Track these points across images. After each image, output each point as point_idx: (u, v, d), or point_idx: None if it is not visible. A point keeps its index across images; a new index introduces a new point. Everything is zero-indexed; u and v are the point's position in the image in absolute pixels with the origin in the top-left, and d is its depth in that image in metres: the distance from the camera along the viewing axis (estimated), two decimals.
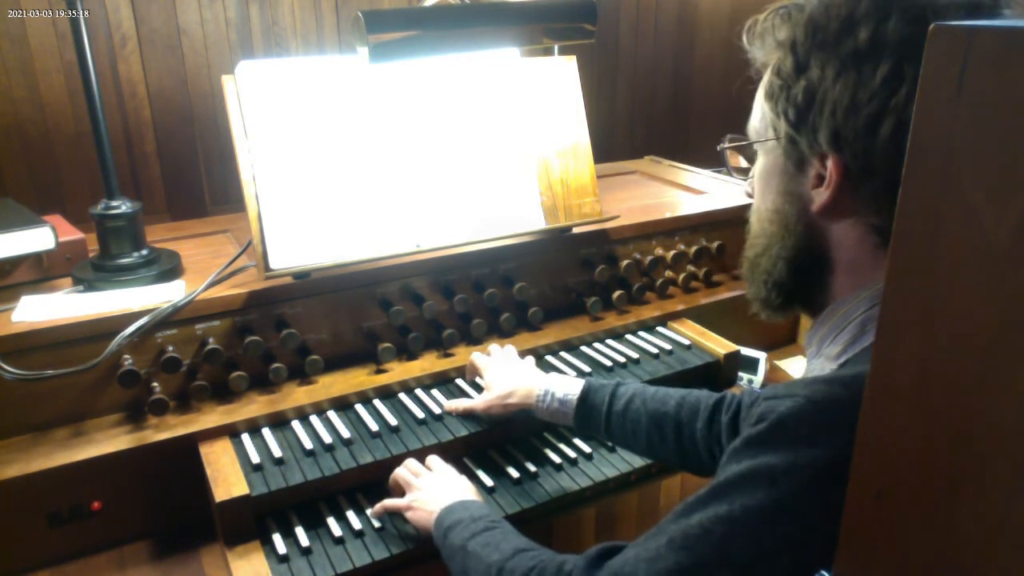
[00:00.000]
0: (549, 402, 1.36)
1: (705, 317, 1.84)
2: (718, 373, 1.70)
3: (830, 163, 0.84)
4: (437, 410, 1.47)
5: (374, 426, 1.41)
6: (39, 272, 1.52)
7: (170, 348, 1.39)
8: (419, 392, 1.54)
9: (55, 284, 1.52)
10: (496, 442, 1.50)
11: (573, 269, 1.81)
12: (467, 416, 1.46)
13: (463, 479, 1.27)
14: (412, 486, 1.27)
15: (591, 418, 1.33)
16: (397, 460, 1.35)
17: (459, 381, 1.58)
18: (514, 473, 1.41)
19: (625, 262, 1.84)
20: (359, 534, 1.27)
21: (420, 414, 1.46)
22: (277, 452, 1.33)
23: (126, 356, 1.36)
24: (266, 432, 1.40)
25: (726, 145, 1.04)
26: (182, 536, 1.33)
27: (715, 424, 1.22)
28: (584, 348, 1.72)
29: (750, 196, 1.01)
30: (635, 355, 1.67)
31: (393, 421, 1.42)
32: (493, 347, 1.58)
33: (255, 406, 1.43)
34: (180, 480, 1.33)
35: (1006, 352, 0.53)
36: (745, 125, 0.98)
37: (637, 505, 1.87)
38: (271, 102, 1.48)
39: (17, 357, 1.29)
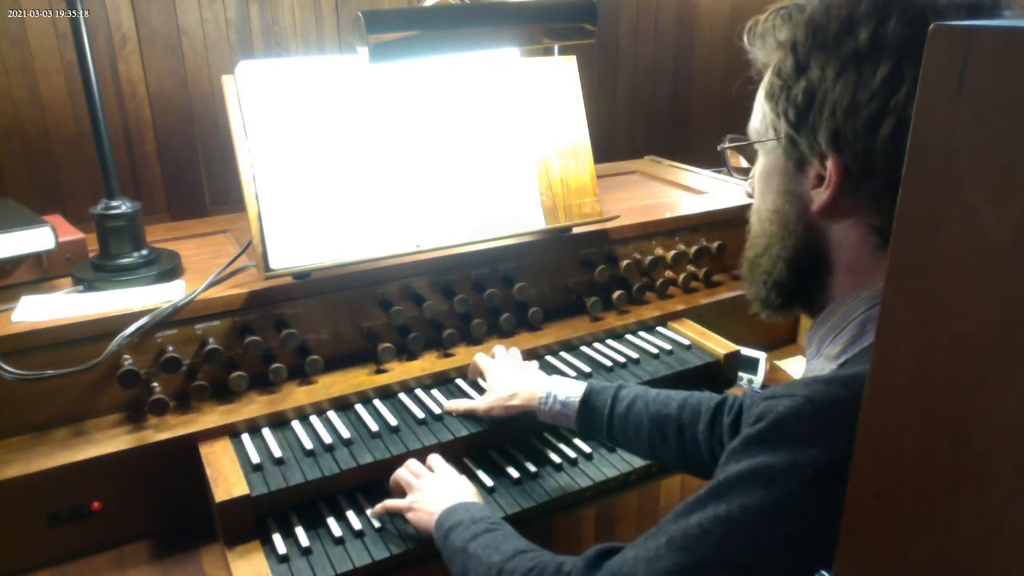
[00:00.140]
0: (551, 404, 1.36)
1: (705, 317, 1.84)
2: (718, 373, 1.70)
3: (830, 163, 0.84)
4: (437, 410, 1.47)
5: (374, 426, 1.41)
6: (39, 272, 1.52)
7: (170, 348, 1.39)
8: (419, 392, 1.54)
9: (55, 284, 1.52)
10: (496, 442, 1.50)
11: (573, 269, 1.81)
12: (467, 416, 1.46)
13: (464, 480, 1.27)
14: (413, 487, 1.27)
15: (593, 420, 1.33)
16: (397, 460, 1.35)
17: (459, 381, 1.58)
18: (514, 473, 1.41)
19: (625, 262, 1.84)
20: (359, 534, 1.27)
21: (420, 414, 1.46)
22: (277, 452, 1.33)
23: (126, 356, 1.36)
24: (266, 432, 1.40)
25: (726, 145, 1.04)
26: (182, 536, 1.33)
27: (717, 426, 1.22)
28: (584, 348, 1.72)
29: (750, 196, 1.01)
30: (635, 355, 1.67)
31: (393, 421, 1.42)
32: (497, 348, 1.58)
33: (255, 406, 1.43)
34: (180, 480, 1.33)
35: (1006, 352, 0.53)
36: (745, 125, 0.98)
37: (637, 505, 1.87)
38: (271, 102, 1.48)
39: (17, 357, 1.29)
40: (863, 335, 0.87)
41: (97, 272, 1.50)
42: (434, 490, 1.24)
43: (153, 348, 1.40)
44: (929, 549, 0.61)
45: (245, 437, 1.38)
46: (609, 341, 1.75)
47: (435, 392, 1.54)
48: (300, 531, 1.26)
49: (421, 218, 1.60)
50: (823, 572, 0.83)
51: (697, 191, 2.17)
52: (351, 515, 1.30)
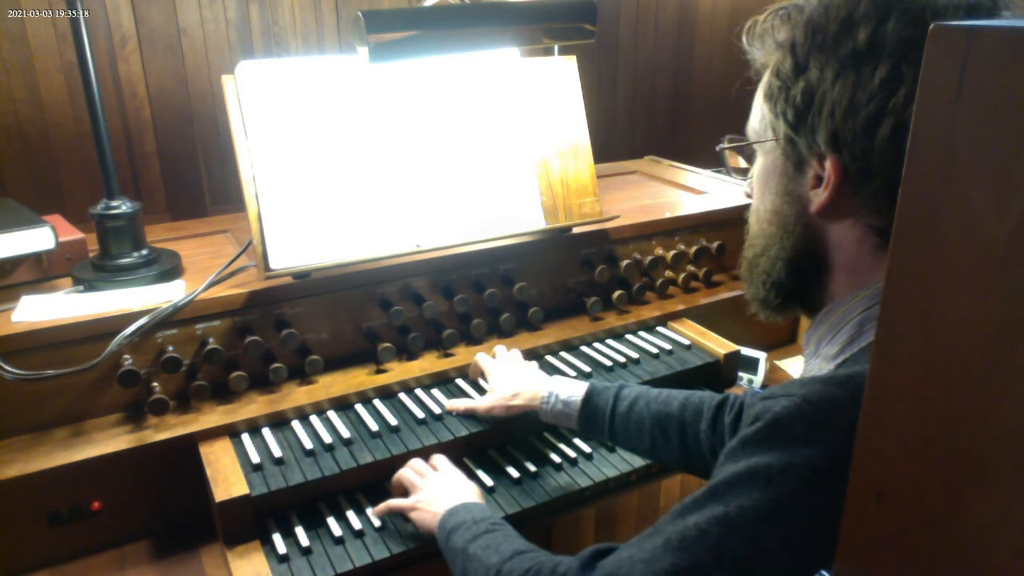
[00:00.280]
0: (553, 404, 1.36)
1: (705, 317, 1.84)
2: (718, 373, 1.70)
3: (829, 164, 0.84)
4: (437, 410, 1.47)
5: (374, 426, 1.41)
6: (39, 272, 1.52)
7: (170, 348, 1.39)
8: (419, 392, 1.54)
9: (55, 284, 1.52)
10: (496, 442, 1.50)
11: (573, 269, 1.81)
12: (468, 416, 1.46)
13: (467, 480, 1.27)
14: (417, 487, 1.27)
15: (595, 420, 1.33)
16: (397, 460, 1.35)
17: (459, 381, 1.58)
18: (514, 473, 1.41)
19: (625, 262, 1.84)
20: (359, 534, 1.27)
21: (420, 414, 1.46)
22: (277, 452, 1.33)
23: (126, 356, 1.36)
24: (266, 432, 1.40)
25: (725, 146, 1.04)
26: (182, 536, 1.33)
27: (718, 425, 1.22)
28: (584, 348, 1.72)
29: (749, 197, 1.01)
30: (635, 355, 1.67)
31: (393, 421, 1.42)
32: (498, 348, 1.58)
33: (255, 406, 1.43)
34: (180, 480, 1.33)
35: (1006, 352, 0.53)
36: (745, 125, 0.98)
37: (637, 505, 1.87)
38: (271, 102, 1.48)
39: (17, 357, 1.29)
40: (861, 335, 0.87)
41: (97, 272, 1.50)
42: (437, 490, 1.24)
43: (153, 348, 1.40)
44: (929, 549, 0.61)
45: (245, 437, 1.38)
46: (609, 341, 1.75)
47: (435, 392, 1.54)
48: (300, 531, 1.26)
49: (421, 218, 1.60)
50: (823, 572, 0.83)
51: (697, 191, 2.17)
52: (351, 515, 1.30)
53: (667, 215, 1.94)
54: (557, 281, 1.79)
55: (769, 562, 0.79)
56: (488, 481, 1.39)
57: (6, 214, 1.55)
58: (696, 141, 3.89)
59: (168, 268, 1.54)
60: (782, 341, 2.07)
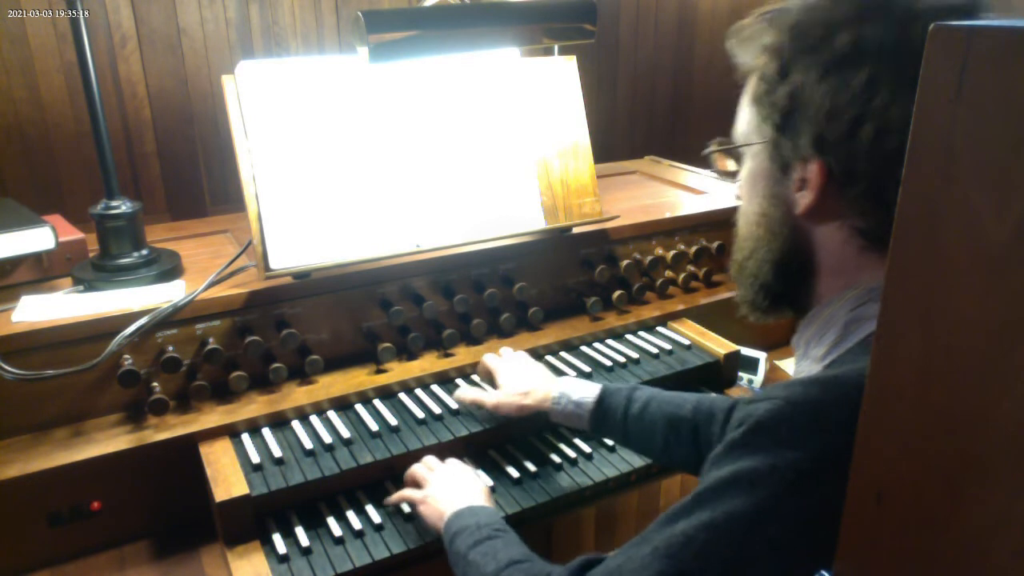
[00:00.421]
0: (564, 405, 1.35)
1: (705, 317, 1.84)
2: (718, 373, 1.70)
3: (813, 167, 0.85)
4: (437, 410, 1.47)
5: (374, 426, 1.41)
6: (39, 272, 1.52)
7: (170, 348, 1.39)
8: (419, 392, 1.54)
9: (55, 284, 1.52)
10: (496, 442, 1.50)
11: (573, 269, 1.81)
12: (469, 412, 1.46)
13: (476, 481, 1.28)
14: (427, 481, 1.27)
15: (607, 421, 1.33)
16: (397, 460, 1.35)
17: (459, 381, 1.58)
18: (514, 473, 1.41)
19: (625, 262, 1.83)
20: (359, 534, 1.27)
21: (420, 414, 1.46)
22: (277, 452, 1.33)
23: (126, 356, 1.36)
24: (266, 432, 1.40)
25: (712, 149, 1.05)
26: (182, 536, 1.33)
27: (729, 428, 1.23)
28: (584, 348, 1.72)
29: (739, 199, 1.01)
30: (635, 355, 1.67)
31: (393, 421, 1.42)
32: (505, 349, 1.57)
33: (255, 406, 1.43)
34: (180, 480, 1.33)
35: (1006, 352, 0.53)
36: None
37: (637, 505, 1.87)
38: (271, 102, 1.48)
39: (17, 357, 1.29)
40: (848, 336, 0.88)
41: (97, 272, 1.50)
42: (446, 488, 1.24)
43: (153, 348, 1.40)
44: (929, 549, 0.61)
45: (245, 437, 1.38)
46: (609, 341, 1.75)
47: (435, 392, 1.54)
48: (300, 531, 1.26)
49: (421, 218, 1.60)
50: (823, 572, 0.83)
51: (697, 191, 2.18)
52: (351, 515, 1.30)
53: (667, 215, 1.94)
54: (557, 281, 1.79)
55: (756, 566, 0.79)
56: (488, 481, 1.39)
57: (6, 214, 1.55)
58: (696, 141, 3.88)
59: (168, 268, 1.54)
60: (782, 341, 2.07)
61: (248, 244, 1.54)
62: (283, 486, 1.28)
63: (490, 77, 1.70)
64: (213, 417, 1.39)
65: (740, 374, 1.78)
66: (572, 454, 1.47)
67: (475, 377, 1.58)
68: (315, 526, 1.29)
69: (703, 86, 3.85)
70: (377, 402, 1.50)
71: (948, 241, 0.55)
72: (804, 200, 0.87)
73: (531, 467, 1.43)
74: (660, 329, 1.81)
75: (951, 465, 0.58)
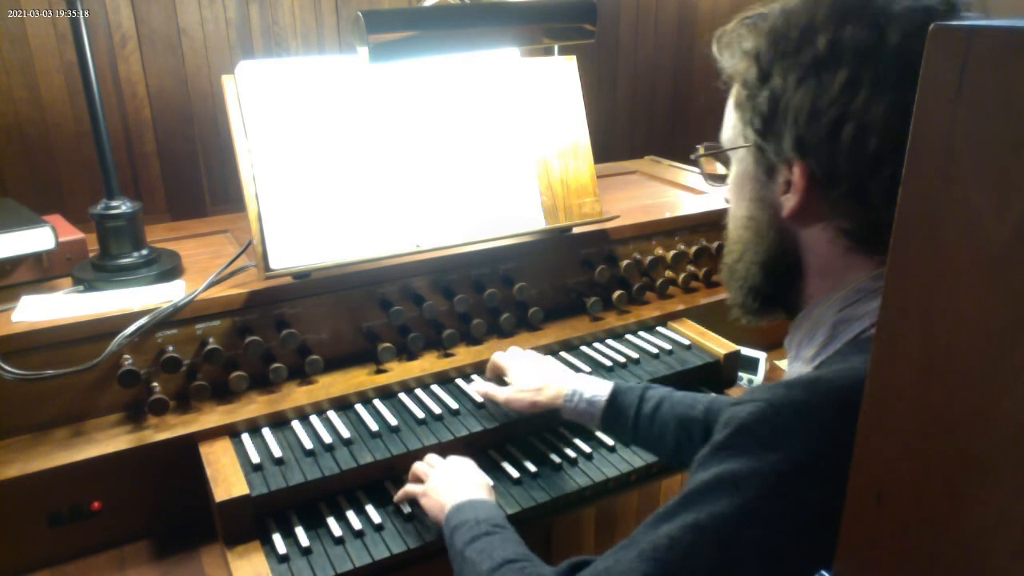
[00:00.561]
0: (577, 402, 1.36)
1: (705, 317, 1.84)
2: (718, 373, 1.70)
3: (796, 169, 0.86)
4: (437, 410, 1.47)
5: (374, 426, 1.41)
6: (39, 272, 1.52)
7: (170, 348, 1.39)
8: (419, 392, 1.54)
9: (55, 284, 1.52)
10: (496, 442, 1.50)
11: (573, 269, 1.81)
12: (469, 412, 1.46)
13: (479, 474, 1.28)
14: (428, 475, 1.28)
15: (619, 420, 1.34)
16: (397, 460, 1.35)
17: (459, 381, 1.58)
18: (514, 473, 1.41)
19: (625, 262, 1.84)
20: (359, 534, 1.27)
21: (420, 414, 1.46)
22: (277, 452, 1.33)
23: (126, 356, 1.36)
24: (266, 432, 1.40)
25: (700, 153, 1.06)
26: (182, 536, 1.33)
27: None
28: (584, 348, 1.72)
29: (728, 203, 1.02)
30: (635, 355, 1.67)
31: (393, 421, 1.42)
32: (514, 348, 1.57)
33: (255, 406, 1.43)
34: (180, 480, 1.33)
35: (1006, 352, 0.53)
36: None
37: (637, 505, 1.88)
38: (271, 102, 1.48)
39: (17, 357, 1.29)
40: (836, 337, 0.88)
41: (97, 272, 1.50)
42: (448, 479, 1.24)
43: (153, 348, 1.40)
44: (929, 549, 0.61)
45: (245, 437, 1.38)
46: (609, 341, 1.75)
47: (435, 392, 1.54)
48: (300, 531, 1.26)
49: (421, 218, 1.60)
50: (823, 572, 0.83)
51: (697, 191, 2.18)
52: (351, 515, 1.30)
53: (667, 215, 1.94)
54: (557, 281, 1.79)
55: (742, 567, 0.79)
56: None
57: (6, 214, 1.55)
58: (696, 141, 3.88)
59: (168, 268, 1.54)
60: (782, 341, 2.07)
61: (248, 244, 1.54)
62: (283, 486, 1.28)
63: (490, 77, 1.70)
64: (213, 417, 1.39)
65: (740, 374, 1.78)
66: (572, 454, 1.47)
67: (459, 382, 1.58)
68: (315, 526, 1.29)
69: (703, 86, 3.85)
70: (377, 402, 1.50)
71: (948, 241, 0.55)
72: (789, 203, 0.88)
73: (531, 467, 1.43)
74: (660, 329, 1.81)
75: (951, 465, 0.58)
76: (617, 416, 1.33)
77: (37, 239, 1.48)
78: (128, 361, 1.35)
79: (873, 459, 0.65)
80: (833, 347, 0.88)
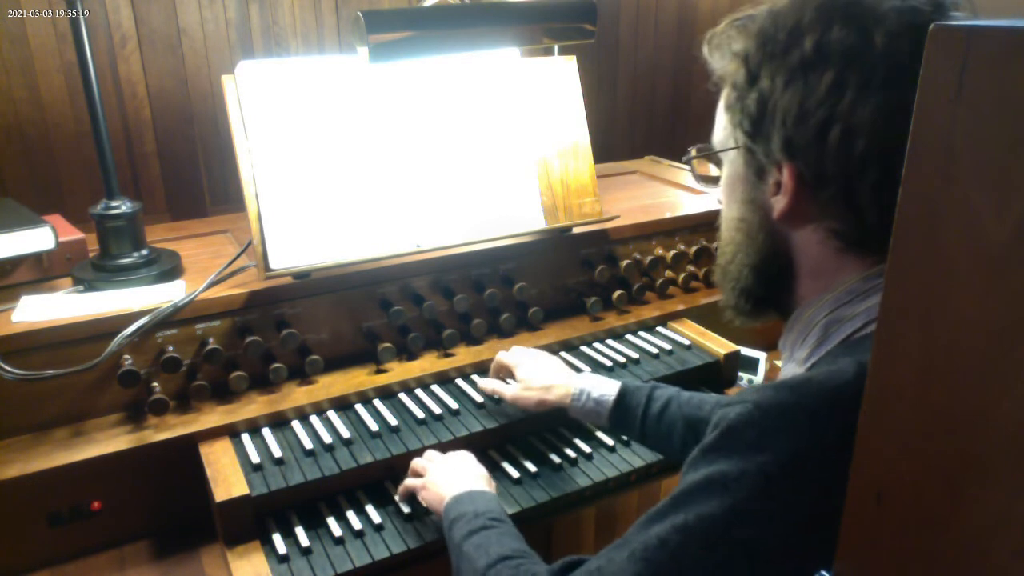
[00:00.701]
0: (584, 401, 1.36)
1: (705, 317, 1.84)
2: (718, 373, 1.70)
3: (785, 171, 0.86)
4: (437, 410, 1.47)
5: (374, 426, 1.41)
6: (39, 272, 1.52)
7: (170, 348, 1.39)
8: (419, 392, 1.54)
9: (55, 284, 1.52)
10: (496, 442, 1.50)
11: (573, 269, 1.81)
12: (469, 412, 1.46)
13: (476, 463, 1.28)
14: (427, 469, 1.28)
15: (626, 419, 1.34)
16: (397, 460, 1.35)
17: (459, 381, 1.58)
18: (514, 473, 1.41)
19: (625, 262, 1.83)
20: (359, 534, 1.27)
21: (420, 414, 1.46)
22: (277, 452, 1.33)
23: (126, 356, 1.36)
24: (266, 432, 1.40)
25: (692, 155, 1.06)
26: (182, 536, 1.33)
27: None
28: (584, 348, 1.72)
29: (721, 204, 1.02)
30: (635, 355, 1.67)
31: (393, 421, 1.42)
32: (517, 348, 1.57)
33: (255, 406, 1.43)
34: (180, 480, 1.33)
35: (1006, 352, 0.53)
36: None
37: (637, 505, 1.88)
38: (271, 102, 1.48)
39: (17, 357, 1.29)
40: (827, 339, 0.89)
41: (97, 272, 1.50)
42: (446, 471, 1.24)
43: (153, 348, 1.40)
44: (929, 549, 0.61)
45: (245, 437, 1.38)
46: (609, 341, 1.75)
47: (435, 392, 1.54)
48: (300, 531, 1.26)
49: (421, 218, 1.60)
50: (823, 572, 0.83)
51: (697, 191, 2.17)
52: (351, 515, 1.30)
53: (667, 215, 1.94)
54: (557, 281, 1.79)
55: (731, 568, 0.80)
56: None
57: (6, 214, 1.55)
58: (696, 141, 3.88)
59: (168, 268, 1.54)
60: None
61: (248, 244, 1.54)
62: (283, 486, 1.28)
63: (490, 77, 1.70)
64: (213, 417, 1.39)
65: (740, 374, 1.78)
66: (572, 454, 1.47)
67: (460, 382, 1.58)
68: (315, 526, 1.29)
69: (703, 86, 3.85)
70: (377, 402, 1.50)
71: (948, 241, 0.55)
72: (779, 204, 0.88)
73: (531, 467, 1.43)
74: (660, 329, 1.81)
75: (951, 465, 0.58)
76: (625, 416, 1.34)
77: (37, 239, 1.48)
78: (128, 361, 1.35)
79: (873, 459, 0.65)
80: (825, 348, 0.88)
